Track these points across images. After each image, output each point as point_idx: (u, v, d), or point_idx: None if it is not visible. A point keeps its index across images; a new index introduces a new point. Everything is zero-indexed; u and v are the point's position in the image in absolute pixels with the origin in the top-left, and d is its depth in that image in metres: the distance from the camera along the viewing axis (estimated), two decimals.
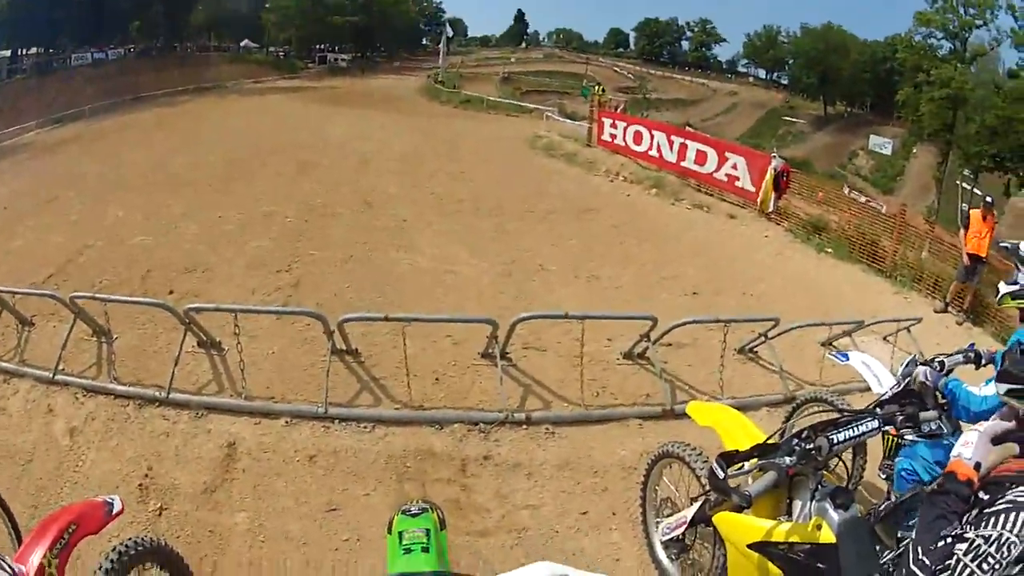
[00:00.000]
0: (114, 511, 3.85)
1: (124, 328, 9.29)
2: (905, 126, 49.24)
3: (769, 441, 3.81)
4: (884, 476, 4.96)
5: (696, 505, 4.14)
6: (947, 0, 44.42)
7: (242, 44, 59.91)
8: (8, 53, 47.37)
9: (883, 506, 3.98)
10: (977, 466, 3.27)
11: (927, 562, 2.96)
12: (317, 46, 63.15)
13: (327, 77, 57.78)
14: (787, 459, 3.50)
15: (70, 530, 3.54)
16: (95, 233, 14.99)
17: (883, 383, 5.54)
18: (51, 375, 8.26)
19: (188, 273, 12.22)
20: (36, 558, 3.37)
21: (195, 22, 56.95)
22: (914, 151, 48.35)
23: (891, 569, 3.56)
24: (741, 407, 5.44)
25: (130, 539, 3.78)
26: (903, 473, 4.66)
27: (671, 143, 21.69)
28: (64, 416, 7.70)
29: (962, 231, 12.77)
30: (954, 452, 3.41)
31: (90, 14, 48.81)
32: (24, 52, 48.49)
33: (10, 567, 3.22)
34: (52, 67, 47.76)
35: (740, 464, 3.67)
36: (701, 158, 20.52)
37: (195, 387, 8.02)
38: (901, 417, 4.36)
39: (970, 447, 3.36)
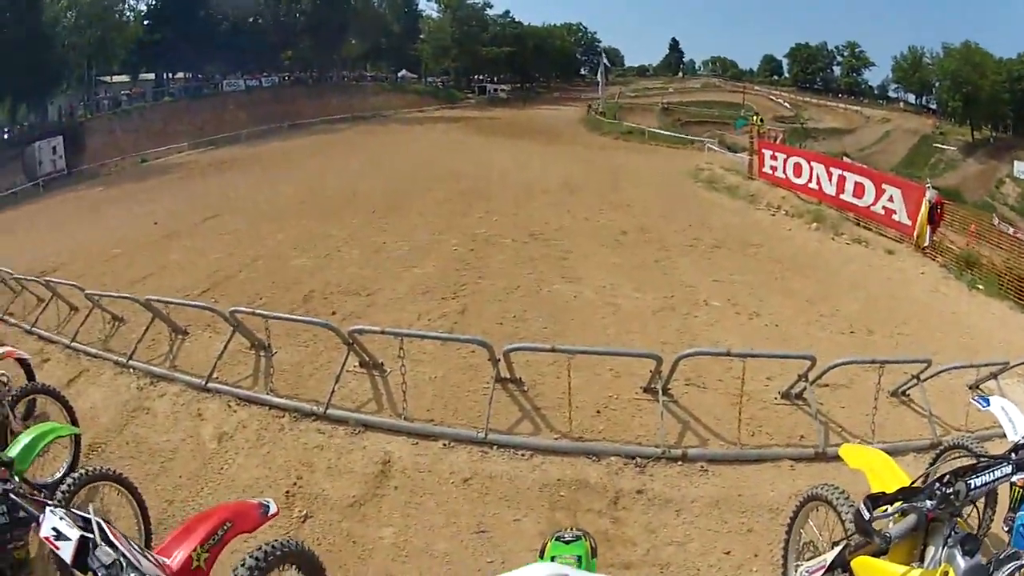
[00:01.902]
0: (269, 513, 4.06)
1: (284, 344, 9.74)
2: None
3: (913, 485, 3.84)
4: (1007, 528, 4.75)
5: (837, 549, 4.08)
6: None
7: (400, 74, 62.30)
8: (152, 76, 50.62)
9: (1003, 555, 3.81)
10: None
11: None
12: (476, 76, 64.88)
13: (487, 107, 59.30)
14: (928, 503, 3.60)
15: (225, 527, 3.75)
16: (255, 253, 15.97)
17: (1018, 429, 5.27)
18: (204, 382, 8.79)
19: (351, 296, 12.75)
20: (184, 551, 3.59)
21: (348, 52, 59.25)
22: None
23: None
24: (890, 451, 5.31)
25: (277, 540, 3.96)
26: (1021, 530, 4.41)
27: (830, 175, 21.35)
28: (214, 422, 8.18)
29: None
30: None
31: (240, 43, 51.61)
32: (171, 76, 51.74)
33: (153, 558, 3.43)
34: (202, 92, 51.08)
35: (884, 507, 3.71)
36: (859, 190, 20.06)
37: (354, 405, 8.30)
38: None
39: None
